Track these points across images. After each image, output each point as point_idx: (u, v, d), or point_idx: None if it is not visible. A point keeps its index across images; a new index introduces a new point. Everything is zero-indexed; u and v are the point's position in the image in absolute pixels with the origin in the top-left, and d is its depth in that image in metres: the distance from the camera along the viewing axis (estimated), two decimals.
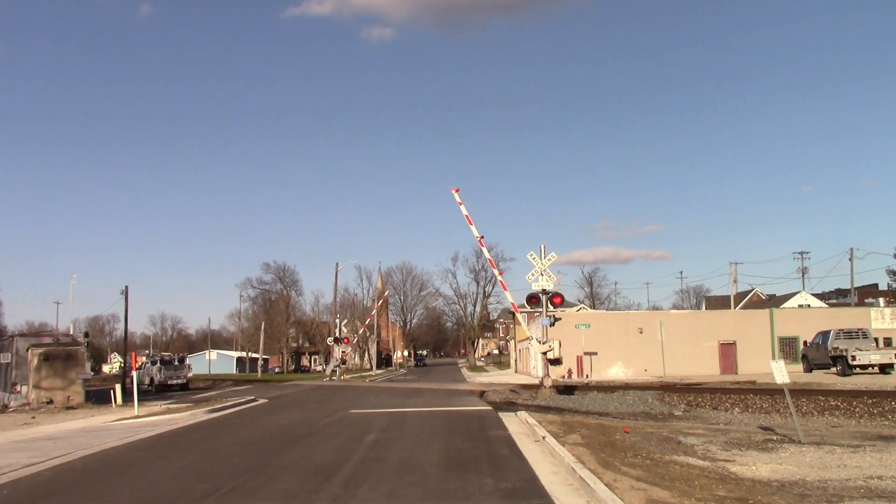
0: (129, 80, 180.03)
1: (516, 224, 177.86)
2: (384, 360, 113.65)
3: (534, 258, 30.18)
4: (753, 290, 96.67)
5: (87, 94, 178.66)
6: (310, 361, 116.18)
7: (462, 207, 40.24)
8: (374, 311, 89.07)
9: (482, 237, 36.43)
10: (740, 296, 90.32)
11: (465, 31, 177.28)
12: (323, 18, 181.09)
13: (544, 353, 30.40)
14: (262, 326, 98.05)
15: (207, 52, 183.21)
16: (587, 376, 47.30)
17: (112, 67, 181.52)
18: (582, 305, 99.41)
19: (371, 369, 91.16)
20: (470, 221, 41.61)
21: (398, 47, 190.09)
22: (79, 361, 30.69)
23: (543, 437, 14.36)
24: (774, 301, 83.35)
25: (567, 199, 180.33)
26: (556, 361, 31.33)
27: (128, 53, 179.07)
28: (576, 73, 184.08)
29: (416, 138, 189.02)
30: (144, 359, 62.52)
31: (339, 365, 64.59)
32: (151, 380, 49.80)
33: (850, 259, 68.88)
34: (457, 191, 35.27)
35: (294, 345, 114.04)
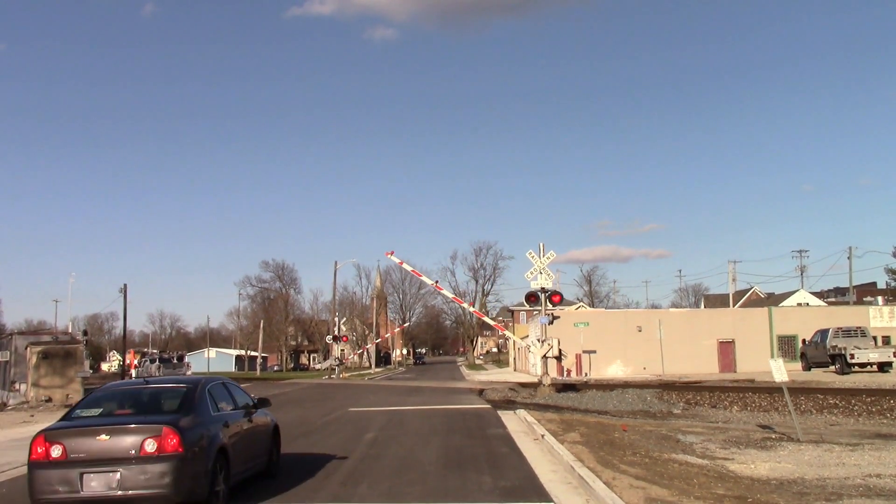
0: (130, 79, 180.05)
1: (516, 222, 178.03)
2: (383, 359, 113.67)
3: (533, 256, 30.16)
4: (752, 288, 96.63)
5: (87, 93, 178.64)
6: (309, 360, 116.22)
7: (405, 265, 44.77)
8: (390, 336, 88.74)
9: (437, 281, 40.09)
10: (739, 294, 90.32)
11: (466, 32, 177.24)
12: (325, 18, 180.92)
13: (544, 355, 30.41)
14: (262, 325, 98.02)
15: (209, 52, 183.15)
16: (586, 374, 47.31)
17: (113, 67, 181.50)
18: (581, 304, 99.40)
19: (370, 367, 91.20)
20: (419, 274, 45.70)
21: (400, 47, 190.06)
22: (77, 360, 30.69)
23: (542, 436, 14.36)
24: (773, 299, 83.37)
25: (567, 197, 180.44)
26: (559, 358, 31.31)
27: (130, 53, 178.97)
28: (576, 72, 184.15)
29: (416, 137, 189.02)
30: (138, 358, 62.40)
31: (337, 364, 64.61)
32: None
33: (848, 258, 68.86)
34: (391, 254, 38.62)
35: (293, 343, 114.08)
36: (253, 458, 10.54)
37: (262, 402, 11.51)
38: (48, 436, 8.48)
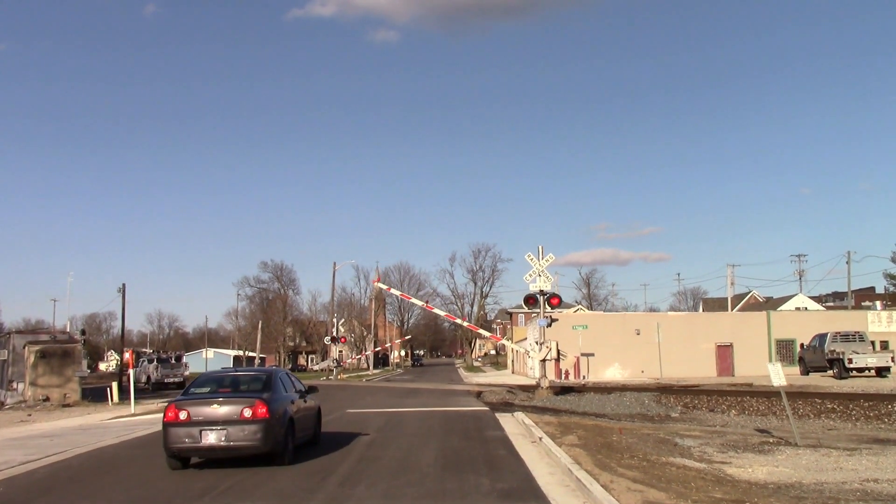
0: (130, 79, 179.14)
1: (515, 224, 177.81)
2: (381, 360, 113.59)
3: (532, 259, 30.18)
4: (751, 292, 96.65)
5: (87, 93, 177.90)
6: (307, 361, 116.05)
7: (394, 290, 47.28)
8: (392, 346, 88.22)
9: (427, 301, 41.53)
10: (737, 298, 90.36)
11: (467, 34, 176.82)
12: (326, 20, 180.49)
13: (543, 359, 30.44)
14: (260, 325, 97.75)
15: (209, 52, 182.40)
16: (584, 377, 47.32)
17: (113, 66, 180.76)
18: (579, 306, 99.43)
19: (368, 369, 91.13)
20: (408, 297, 47.56)
21: (401, 49, 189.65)
22: (75, 359, 30.67)
23: (540, 438, 14.36)
24: (772, 303, 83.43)
25: (567, 200, 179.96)
26: (558, 358, 31.34)
27: (130, 53, 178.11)
28: (576, 75, 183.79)
29: (416, 138, 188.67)
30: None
31: (335, 365, 64.53)
32: (148, 378, 49.77)
33: (847, 262, 68.85)
34: (378, 280, 45.01)
35: (291, 344, 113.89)
36: (306, 429, 14.01)
37: (312, 390, 15.04)
38: (177, 405, 11.99)
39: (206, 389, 12.77)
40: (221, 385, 13.02)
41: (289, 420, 12.43)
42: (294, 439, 12.71)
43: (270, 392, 12.41)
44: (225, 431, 11.61)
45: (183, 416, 11.73)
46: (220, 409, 11.76)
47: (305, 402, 14.04)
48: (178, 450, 11.76)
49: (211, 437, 11.58)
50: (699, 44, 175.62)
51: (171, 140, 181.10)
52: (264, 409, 11.76)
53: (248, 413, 11.69)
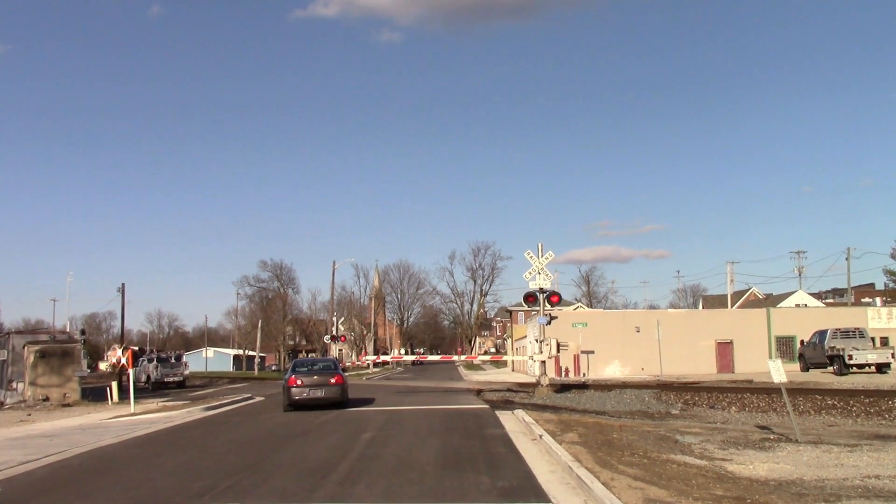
0: (131, 78, 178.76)
1: (515, 222, 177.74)
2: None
3: (531, 257, 30.13)
4: (751, 289, 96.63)
5: (88, 92, 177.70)
6: None
7: (369, 358, 55.89)
8: (396, 351, 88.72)
9: (421, 351, 43.89)
10: (737, 295, 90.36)
11: (470, 34, 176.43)
12: (329, 21, 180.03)
13: (543, 362, 30.40)
14: (259, 324, 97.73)
15: (211, 53, 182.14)
16: (584, 375, 47.29)
17: (114, 66, 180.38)
18: (579, 304, 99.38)
19: (368, 367, 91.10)
20: (399, 357, 50.45)
21: (403, 50, 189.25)
22: (75, 359, 30.61)
23: (540, 436, 14.34)
24: (771, 300, 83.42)
25: (567, 197, 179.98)
26: (558, 349, 31.27)
27: (132, 53, 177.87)
28: (577, 73, 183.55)
29: (416, 137, 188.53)
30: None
31: None
32: (148, 377, 49.72)
33: (846, 259, 68.75)
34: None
35: (291, 343, 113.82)
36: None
37: (345, 370, 27.02)
38: (294, 376, 22.53)
39: (305, 368, 23.70)
40: (313, 366, 24.27)
41: (347, 385, 23.44)
42: (347, 396, 23.33)
43: (339, 369, 24.04)
44: (322, 390, 22.25)
45: (298, 382, 22.28)
46: (318, 378, 22.52)
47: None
48: (295, 401, 22.09)
49: (316, 393, 22.21)
50: (699, 41, 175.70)
51: (171, 139, 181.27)
52: (341, 379, 22.97)
53: (333, 381, 22.52)
